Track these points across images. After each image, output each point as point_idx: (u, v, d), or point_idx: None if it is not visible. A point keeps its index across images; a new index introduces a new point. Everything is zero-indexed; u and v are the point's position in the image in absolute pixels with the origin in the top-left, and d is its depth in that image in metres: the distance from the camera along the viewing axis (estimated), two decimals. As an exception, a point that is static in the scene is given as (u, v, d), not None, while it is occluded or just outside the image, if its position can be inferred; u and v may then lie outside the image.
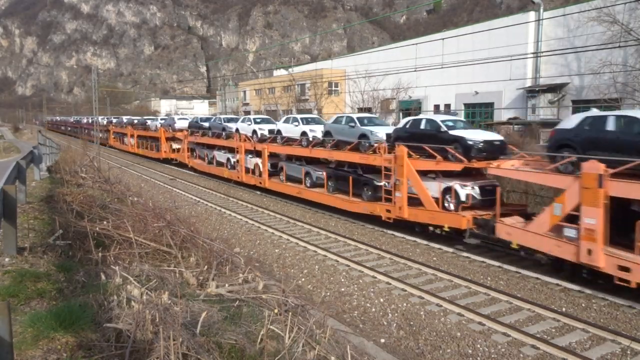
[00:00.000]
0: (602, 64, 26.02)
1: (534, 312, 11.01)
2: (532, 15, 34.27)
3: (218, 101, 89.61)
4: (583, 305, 11.50)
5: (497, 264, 14.41)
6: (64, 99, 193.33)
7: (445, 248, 16.12)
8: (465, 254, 15.41)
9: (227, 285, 8.16)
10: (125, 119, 60.42)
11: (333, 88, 51.26)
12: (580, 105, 30.46)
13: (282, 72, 64.09)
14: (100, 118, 61.59)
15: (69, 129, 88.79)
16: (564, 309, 11.19)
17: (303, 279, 13.53)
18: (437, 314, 10.92)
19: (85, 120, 75.98)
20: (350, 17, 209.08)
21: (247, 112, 66.08)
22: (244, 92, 72.84)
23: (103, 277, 7.35)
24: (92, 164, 24.40)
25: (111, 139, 60.04)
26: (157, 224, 10.64)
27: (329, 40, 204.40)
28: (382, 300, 11.82)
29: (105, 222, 10.51)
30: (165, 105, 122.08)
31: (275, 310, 6.95)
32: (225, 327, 6.20)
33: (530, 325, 10.35)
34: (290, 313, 6.79)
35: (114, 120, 64.24)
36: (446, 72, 30.02)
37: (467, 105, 39.17)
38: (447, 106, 40.93)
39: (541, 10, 33.59)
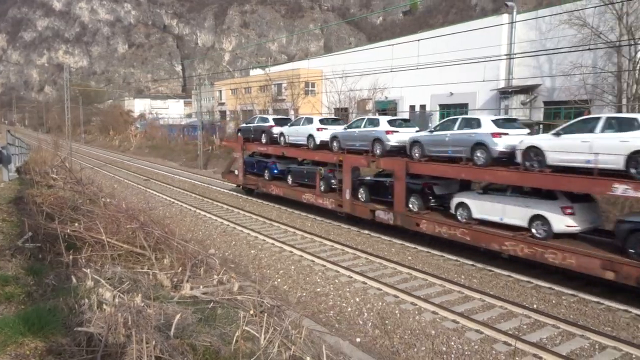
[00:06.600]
0: (572, 66, 26.56)
1: (506, 309, 11.22)
2: (505, 17, 34.80)
3: (193, 100, 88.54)
4: (554, 301, 11.78)
5: (470, 262, 14.65)
6: (35, 97, 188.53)
7: (420, 247, 16.30)
8: (439, 253, 15.62)
9: (201, 287, 8.09)
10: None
11: (310, 88, 51.18)
12: (551, 106, 31.12)
13: (259, 71, 63.61)
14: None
15: None
16: (535, 306, 11.45)
17: (279, 280, 13.51)
18: (411, 313, 11.03)
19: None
20: (327, 17, 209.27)
21: (223, 112, 65.42)
22: (220, 91, 72.14)
23: (74, 280, 7.21)
24: (63, 165, 23.88)
25: None
26: (130, 225, 10.47)
27: (306, 40, 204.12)
28: (357, 299, 11.90)
29: (76, 224, 10.29)
30: (139, 105, 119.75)
31: (251, 312, 6.91)
32: (200, 329, 6.15)
33: (502, 322, 10.55)
34: (265, 314, 6.77)
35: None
36: (422, 73, 30.28)
37: (442, 106, 39.54)
38: (423, 107, 41.30)
39: (514, 13, 34.13)
